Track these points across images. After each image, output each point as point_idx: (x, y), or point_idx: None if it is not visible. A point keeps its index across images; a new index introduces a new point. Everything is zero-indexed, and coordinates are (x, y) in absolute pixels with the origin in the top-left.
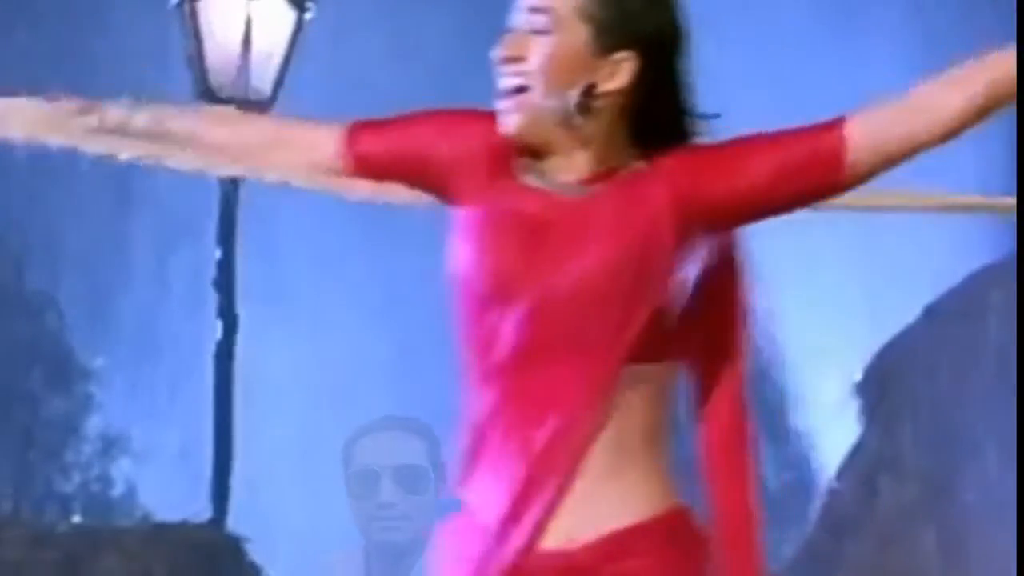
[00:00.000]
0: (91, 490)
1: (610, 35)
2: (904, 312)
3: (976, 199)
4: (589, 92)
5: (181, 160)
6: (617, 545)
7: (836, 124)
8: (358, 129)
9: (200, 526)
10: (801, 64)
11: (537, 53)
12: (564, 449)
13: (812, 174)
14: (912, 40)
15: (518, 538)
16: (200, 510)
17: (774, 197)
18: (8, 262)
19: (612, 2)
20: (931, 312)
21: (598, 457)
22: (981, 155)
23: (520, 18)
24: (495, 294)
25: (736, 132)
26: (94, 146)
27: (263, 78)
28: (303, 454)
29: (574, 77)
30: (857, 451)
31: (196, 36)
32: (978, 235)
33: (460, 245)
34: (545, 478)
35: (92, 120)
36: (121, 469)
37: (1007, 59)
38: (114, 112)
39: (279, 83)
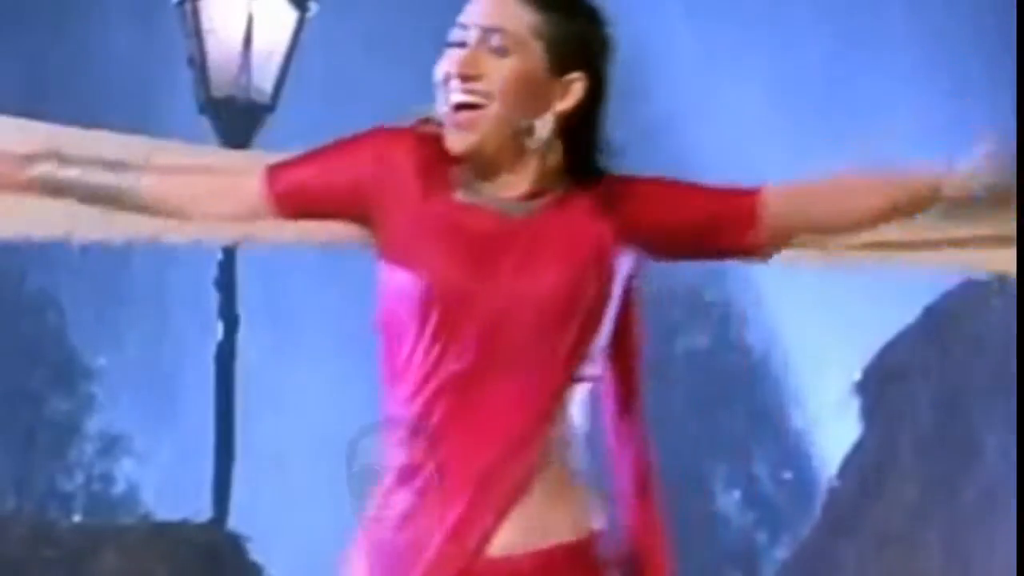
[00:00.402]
0: (93, 489)
1: (563, 56)
2: (904, 312)
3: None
4: (547, 114)
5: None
6: (560, 559)
7: (757, 191)
8: (275, 169)
9: (201, 525)
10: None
11: (496, 74)
12: (514, 464)
13: (729, 230)
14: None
15: (467, 543)
16: (201, 509)
17: (697, 242)
18: (10, 262)
19: (564, 22)
20: (931, 312)
21: (545, 471)
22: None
23: (470, 35)
24: (443, 311)
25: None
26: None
27: (264, 77)
28: (305, 453)
29: (533, 99)
30: (857, 450)
31: (197, 35)
32: None
33: (400, 261)
34: (495, 491)
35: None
36: (123, 468)
37: (931, 180)
38: (42, 167)
39: (280, 82)
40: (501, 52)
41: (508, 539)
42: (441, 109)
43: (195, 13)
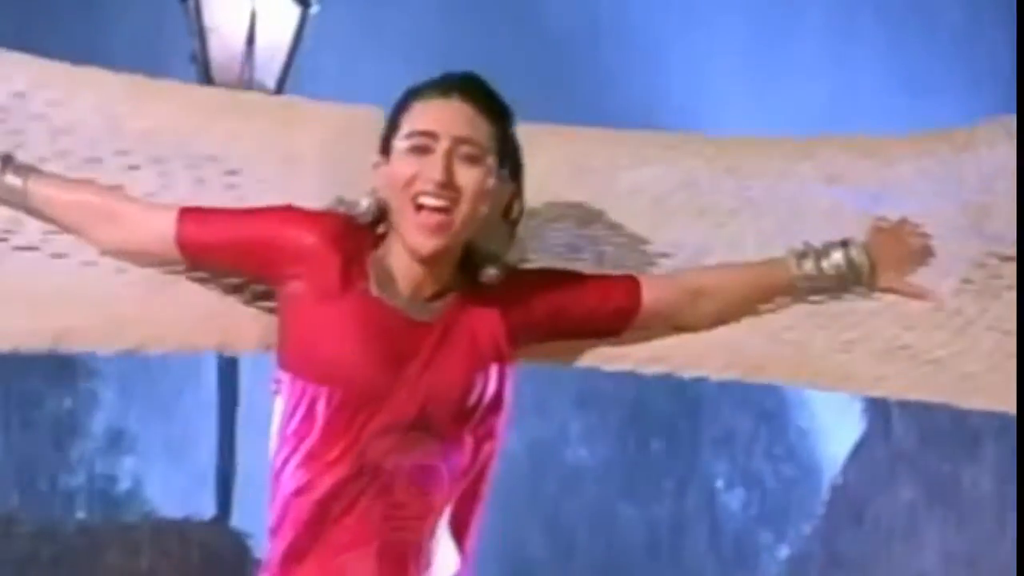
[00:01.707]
0: (96, 486)
1: (505, 167)
2: None
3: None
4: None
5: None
6: None
7: (635, 289)
8: (189, 212)
9: (204, 523)
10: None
11: (469, 182)
12: (429, 530)
13: (607, 322)
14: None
15: None
16: (205, 507)
17: (578, 329)
18: None
19: (507, 138)
20: None
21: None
22: None
23: (440, 144)
24: (353, 406)
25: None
26: None
27: (268, 73)
28: None
29: (487, 203)
30: (861, 447)
31: (200, 33)
32: None
33: (314, 348)
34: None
35: None
36: (125, 466)
37: (775, 272)
38: None
39: (283, 79)
40: (472, 161)
41: None
42: (401, 209)
43: (198, 11)
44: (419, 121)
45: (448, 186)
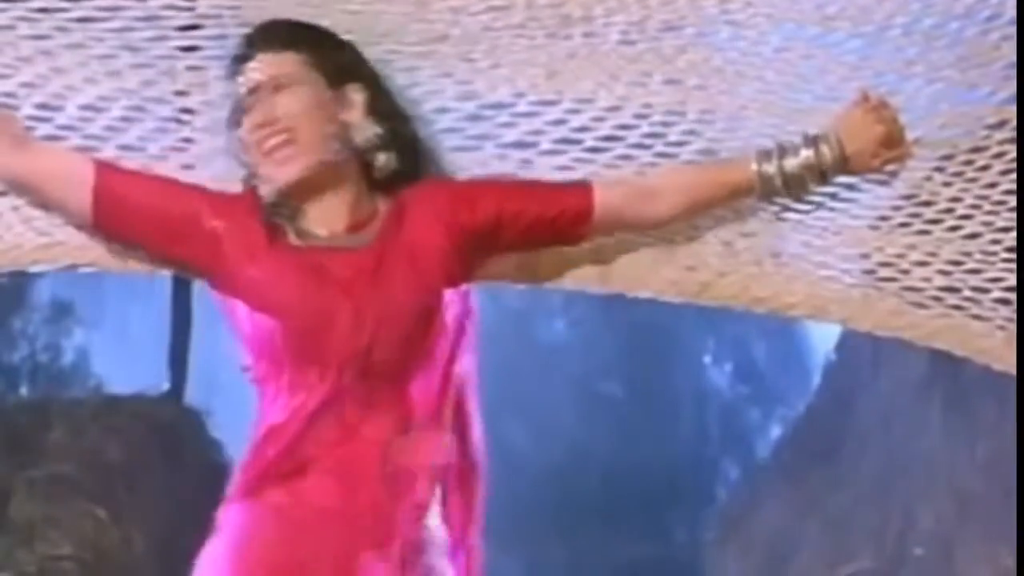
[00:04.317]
0: (39, 360)
1: (338, 75)
2: None
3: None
4: (342, 125)
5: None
6: None
7: (586, 191)
8: (107, 167)
9: (156, 398)
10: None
11: (286, 107)
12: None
13: (561, 227)
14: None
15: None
16: (156, 381)
17: (531, 237)
18: None
19: (326, 48)
20: None
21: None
22: None
23: (253, 98)
24: (303, 348)
25: None
26: None
27: None
28: None
29: (326, 116)
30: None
31: None
32: None
33: (259, 308)
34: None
35: None
36: (72, 338)
37: (736, 171)
38: None
39: None
40: (281, 88)
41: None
42: (256, 165)
43: None
44: (238, 93)
45: (268, 122)
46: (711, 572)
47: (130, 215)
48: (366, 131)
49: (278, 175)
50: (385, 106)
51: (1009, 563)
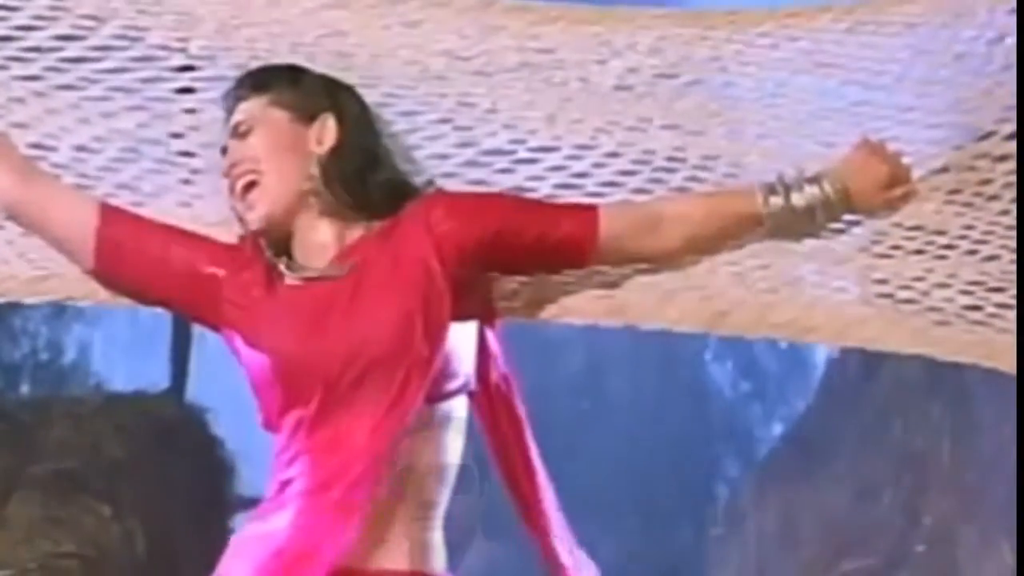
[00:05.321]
0: (40, 358)
1: (304, 108)
2: None
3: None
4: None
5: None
6: None
7: (591, 216)
8: (112, 209)
9: (157, 396)
10: None
11: (252, 150)
12: (363, 490)
13: (565, 250)
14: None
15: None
16: (157, 379)
17: (529, 257)
18: None
19: (289, 86)
20: None
21: (393, 500)
22: None
23: (230, 142)
24: (289, 377)
25: None
26: None
27: None
28: None
29: (294, 152)
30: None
31: None
32: None
33: (254, 346)
34: (344, 516)
35: None
36: (73, 335)
37: (741, 201)
38: None
39: None
40: (244, 135)
41: (350, 553)
42: (237, 212)
43: None
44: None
45: (234, 164)
46: (712, 569)
47: (129, 263)
48: (339, 160)
49: (249, 217)
50: (361, 130)
51: (1010, 560)
